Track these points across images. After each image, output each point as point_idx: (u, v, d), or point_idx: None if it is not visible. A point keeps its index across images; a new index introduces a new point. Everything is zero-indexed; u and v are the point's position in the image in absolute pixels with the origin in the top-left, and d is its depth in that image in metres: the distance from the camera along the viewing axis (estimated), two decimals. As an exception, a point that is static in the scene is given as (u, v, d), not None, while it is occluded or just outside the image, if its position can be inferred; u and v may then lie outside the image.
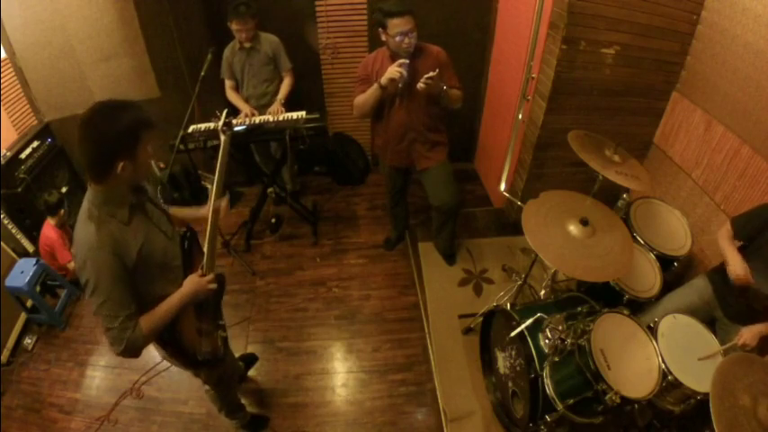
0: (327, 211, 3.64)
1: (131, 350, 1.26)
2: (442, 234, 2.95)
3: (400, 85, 2.12)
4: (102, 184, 1.23)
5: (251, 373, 2.48)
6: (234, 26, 2.76)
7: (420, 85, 2.12)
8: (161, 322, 1.33)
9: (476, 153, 4.03)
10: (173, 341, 1.44)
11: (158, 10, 2.95)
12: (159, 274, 1.37)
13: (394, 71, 2.12)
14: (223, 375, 1.83)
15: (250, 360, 2.50)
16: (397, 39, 2.13)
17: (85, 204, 1.26)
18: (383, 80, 2.18)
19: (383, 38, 2.22)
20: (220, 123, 1.91)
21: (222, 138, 1.78)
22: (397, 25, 2.10)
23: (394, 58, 2.22)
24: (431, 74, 2.08)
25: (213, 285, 1.46)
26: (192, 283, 1.41)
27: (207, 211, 1.58)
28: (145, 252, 1.29)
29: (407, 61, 2.11)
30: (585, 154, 2.02)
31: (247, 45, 2.86)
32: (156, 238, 1.37)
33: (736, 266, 1.71)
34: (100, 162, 1.19)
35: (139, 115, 1.22)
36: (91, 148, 1.17)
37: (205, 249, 1.50)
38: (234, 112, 3.07)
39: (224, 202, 1.66)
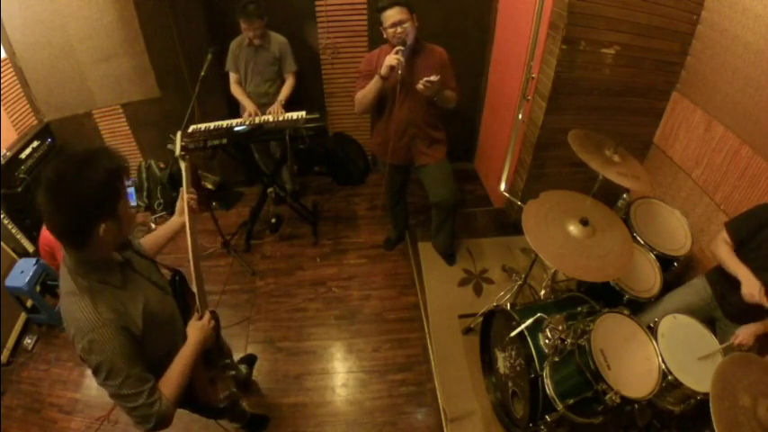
0: (327, 211, 3.64)
1: (163, 422, 1.15)
2: (441, 233, 2.96)
3: (399, 72, 2.13)
4: (82, 251, 1.07)
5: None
6: (242, 25, 2.77)
7: (419, 86, 2.16)
8: (181, 382, 1.22)
9: (476, 153, 4.03)
10: (190, 400, 1.33)
11: (158, 10, 2.95)
12: (165, 331, 1.28)
13: (392, 58, 2.14)
14: (237, 413, 1.79)
15: (251, 361, 2.49)
16: (390, 30, 2.19)
17: (67, 276, 1.10)
18: (382, 70, 2.20)
19: (384, 35, 2.26)
20: (177, 149, 1.75)
21: (182, 164, 1.63)
22: (389, 17, 2.17)
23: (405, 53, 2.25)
24: (433, 78, 2.12)
25: (213, 323, 1.39)
26: (196, 330, 1.32)
27: (179, 214, 1.51)
28: (148, 314, 1.18)
29: (403, 48, 2.14)
30: (585, 154, 2.02)
31: (257, 42, 2.87)
32: (153, 294, 1.26)
33: (750, 286, 1.68)
34: (78, 229, 1.02)
35: (113, 163, 1.06)
36: (65, 216, 1.00)
37: (194, 289, 1.41)
38: (238, 108, 3.09)
39: (192, 198, 1.55)
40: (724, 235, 1.86)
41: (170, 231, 1.58)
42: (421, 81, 2.14)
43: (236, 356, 2.43)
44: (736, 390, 1.29)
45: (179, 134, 1.80)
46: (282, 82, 3.06)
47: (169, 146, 1.90)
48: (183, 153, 1.65)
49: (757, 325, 1.72)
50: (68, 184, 0.98)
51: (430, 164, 2.59)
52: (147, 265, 1.33)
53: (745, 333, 1.72)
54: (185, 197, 1.48)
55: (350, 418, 2.28)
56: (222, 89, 3.28)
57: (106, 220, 1.04)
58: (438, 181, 2.62)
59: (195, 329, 1.32)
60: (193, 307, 1.41)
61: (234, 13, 2.79)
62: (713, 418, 1.22)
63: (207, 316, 1.37)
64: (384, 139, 2.57)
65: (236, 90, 3.06)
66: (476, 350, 2.40)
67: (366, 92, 2.34)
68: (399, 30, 2.17)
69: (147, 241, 1.53)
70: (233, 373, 1.56)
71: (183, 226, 1.51)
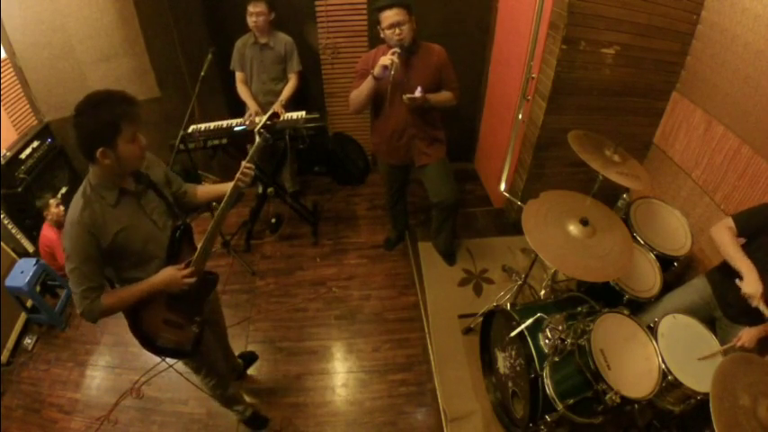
0: (327, 211, 3.63)
1: (87, 316, 1.37)
2: (442, 233, 2.96)
3: (392, 72, 2.13)
4: (94, 166, 1.34)
5: (251, 371, 2.48)
6: (248, 8, 2.76)
7: (404, 98, 2.22)
8: (122, 302, 1.42)
9: (476, 153, 4.03)
10: (133, 323, 1.50)
11: (158, 10, 2.95)
12: (136, 261, 1.46)
13: (386, 58, 2.14)
14: (201, 366, 1.83)
15: (250, 359, 2.50)
16: (388, 31, 2.17)
17: (84, 181, 1.37)
18: (375, 69, 2.20)
19: (381, 35, 2.26)
20: (261, 122, 1.80)
21: (257, 138, 1.73)
22: (387, 18, 2.15)
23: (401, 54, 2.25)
24: (415, 96, 2.20)
25: (190, 280, 1.51)
26: (165, 273, 1.47)
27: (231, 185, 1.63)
28: (122, 236, 1.38)
29: (399, 50, 2.14)
30: (585, 154, 2.02)
31: (262, 40, 2.87)
32: (141, 226, 1.45)
33: (751, 286, 1.61)
34: (82, 147, 1.29)
35: (123, 108, 1.30)
36: (76, 134, 1.28)
37: (199, 245, 1.56)
38: (238, 107, 3.08)
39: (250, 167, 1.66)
40: (728, 222, 1.79)
41: (221, 192, 1.70)
42: (405, 96, 2.19)
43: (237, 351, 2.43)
44: (736, 390, 1.29)
45: (265, 117, 1.83)
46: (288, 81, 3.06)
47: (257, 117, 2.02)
48: (261, 131, 1.75)
49: (760, 328, 1.71)
50: (81, 115, 1.27)
51: (430, 164, 2.59)
52: (156, 205, 1.51)
53: (747, 336, 1.70)
54: (243, 167, 1.64)
55: (350, 418, 2.28)
56: (222, 89, 3.28)
57: (104, 147, 1.27)
58: (438, 181, 2.62)
59: (165, 272, 1.47)
60: (184, 258, 1.55)
61: (235, 12, 2.79)
62: (713, 417, 1.22)
63: (188, 271, 1.51)
64: (382, 139, 2.57)
65: (241, 89, 3.06)
66: (476, 350, 2.40)
67: (359, 91, 2.34)
68: (398, 31, 2.15)
69: (203, 190, 1.79)
70: (196, 330, 1.65)
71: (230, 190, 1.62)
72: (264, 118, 1.75)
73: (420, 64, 2.29)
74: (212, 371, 1.88)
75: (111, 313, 1.42)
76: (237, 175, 1.62)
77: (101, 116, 1.27)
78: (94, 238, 1.33)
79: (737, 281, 1.66)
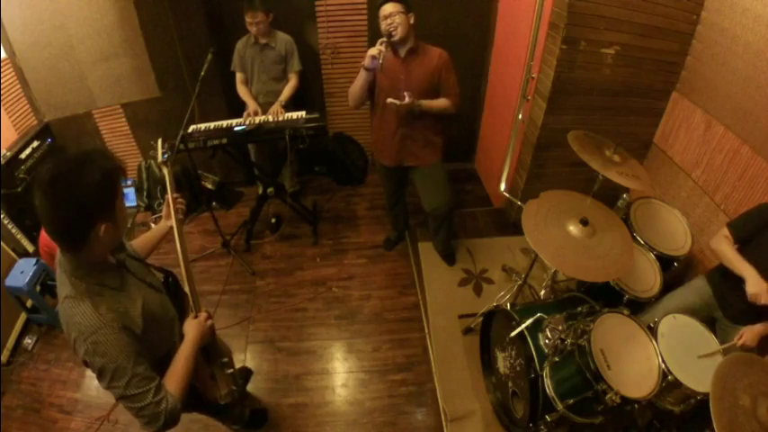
0: (327, 211, 3.64)
1: (172, 420, 1.14)
2: (439, 236, 2.96)
3: (380, 62, 2.16)
4: (79, 252, 1.07)
5: (249, 389, 2.42)
6: (246, 18, 2.77)
7: (387, 101, 2.25)
8: (185, 378, 1.22)
9: (476, 153, 4.03)
10: (193, 398, 1.34)
11: (158, 10, 2.95)
12: (164, 330, 1.30)
13: (374, 48, 2.18)
14: (244, 411, 1.81)
15: (245, 376, 2.42)
16: (383, 23, 2.22)
17: (65, 280, 1.10)
18: (365, 60, 2.24)
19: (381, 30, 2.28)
20: (159, 156, 1.78)
21: (165, 170, 1.63)
22: (384, 10, 2.21)
23: (392, 48, 2.28)
24: (398, 102, 2.22)
25: (211, 321, 1.39)
26: (192, 326, 1.32)
27: (165, 218, 1.54)
28: (147, 313, 1.19)
29: (386, 39, 2.18)
30: (585, 154, 2.02)
31: (263, 41, 2.88)
32: (150, 295, 1.27)
33: (756, 286, 1.66)
34: (77, 230, 1.02)
35: (109, 163, 1.06)
36: (64, 217, 0.99)
37: (186, 289, 1.42)
38: (239, 107, 3.08)
39: (180, 200, 1.58)
40: (725, 231, 1.84)
41: (159, 235, 1.59)
42: (388, 99, 2.23)
43: (236, 357, 2.43)
44: (735, 390, 1.29)
45: (159, 141, 1.83)
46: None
47: (151, 152, 1.95)
48: (164, 161, 1.68)
49: (762, 326, 1.71)
50: (66, 185, 0.98)
51: (420, 167, 2.58)
52: (140, 267, 1.34)
53: (749, 334, 1.70)
54: (171, 201, 1.51)
55: (350, 418, 2.28)
56: (222, 89, 3.28)
57: (105, 221, 1.04)
58: (429, 188, 2.61)
59: (192, 326, 1.33)
60: (188, 307, 1.43)
61: (235, 12, 2.80)
62: (713, 418, 1.22)
63: (204, 314, 1.39)
64: (378, 138, 2.58)
65: (241, 89, 3.07)
66: (476, 350, 2.40)
67: (354, 84, 2.37)
68: (389, 21, 2.19)
69: (138, 243, 1.53)
70: (231, 371, 1.56)
71: (171, 230, 1.52)
72: (159, 148, 1.76)
73: (418, 66, 2.28)
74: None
75: (184, 398, 1.20)
76: (167, 209, 1.52)
77: (94, 179, 1.00)
78: (129, 331, 1.09)
79: (745, 285, 1.69)
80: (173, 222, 1.50)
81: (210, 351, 1.47)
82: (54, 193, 0.97)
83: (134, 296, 1.19)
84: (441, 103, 2.36)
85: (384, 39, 2.17)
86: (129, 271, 1.25)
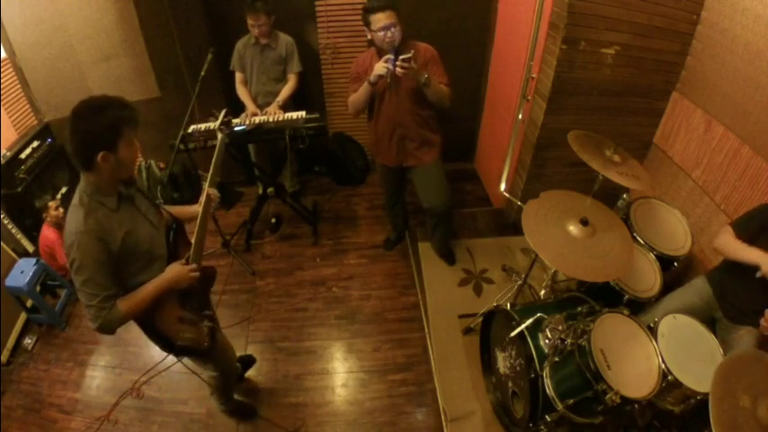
0: (327, 211, 3.64)
1: (107, 328, 1.35)
2: (437, 235, 2.96)
3: (388, 80, 2.14)
4: (90, 173, 1.31)
5: (250, 373, 2.48)
6: (248, 20, 2.77)
7: (398, 70, 2.08)
8: (139, 305, 1.40)
9: (476, 153, 4.03)
10: (149, 326, 1.51)
11: (158, 10, 2.95)
12: (144, 262, 1.45)
13: (380, 67, 2.14)
14: (218, 363, 1.84)
15: (247, 362, 2.49)
16: (380, 34, 2.15)
17: (77, 192, 1.34)
18: (371, 77, 2.21)
19: (369, 36, 2.24)
20: (218, 123, 1.92)
21: (219, 136, 1.83)
22: (378, 20, 2.12)
23: (380, 54, 2.24)
24: (405, 55, 2.06)
25: (195, 274, 1.53)
26: (173, 269, 1.49)
27: (198, 208, 1.66)
28: (130, 239, 1.37)
29: (392, 56, 2.10)
30: (585, 154, 2.02)
31: (263, 41, 2.87)
32: (143, 227, 1.45)
33: None
34: (82, 151, 1.27)
35: (124, 113, 1.30)
36: (75, 138, 1.26)
37: (193, 240, 1.58)
38: (238, 108, 3.08)
39: (215, 193, 1.74)
40: (728, 230, 1.83)
41: (186, 215, 1.74)
42: (397, 62, 2.06)
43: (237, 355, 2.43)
44: (735, 391, 1.29)
45: (224, 111, 1.96)
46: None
47: (210, 120, 2.10)
48: (222, 126, 1.83)
49: None
50: (81, 118, 1.25)
51: (418, 166, 2.57)
52: (147, 205, 1.53)
53: None
54: (206, 190, 1.69)
55: (350, 418, 2.28)
56: (222, 89, 3.28)
57: (105, 151, 1.26)
58: (427, 187, 2.61)
59: (172, 268, 1.49)
60: (184, 254, 1.57)
61: (235, 12, 2.80)
62: (712, 421, 1.21)
63: (192, 265, 1.53)
64: (375, 139, 2.57)
65: (240, 90, 3.06)
66: (476, 350, 2.40)
67: (357, 96, 2.35)
68: (389, 34, 2.13)
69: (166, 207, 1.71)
70: (209, 324, 1.67)
71: (196, 217, 1.66)
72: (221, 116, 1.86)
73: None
74: (227, 369, 1.91)
75: (129, 319, 1.41)
76: (203, 197, 1.68)
77: (104, 119, 1.26)
78: (104, 244, 1.31)
79: (758, 273, 1.65)
80: (200, 208, 1.65)
81: (191, 299, 1.60)
82: (73, 123, 1.25)
83: (124, 221, 1.38)
84: (443, 87, 2.32)
85: (390, 56, 2.09)
86: (132, 203, 1.46)
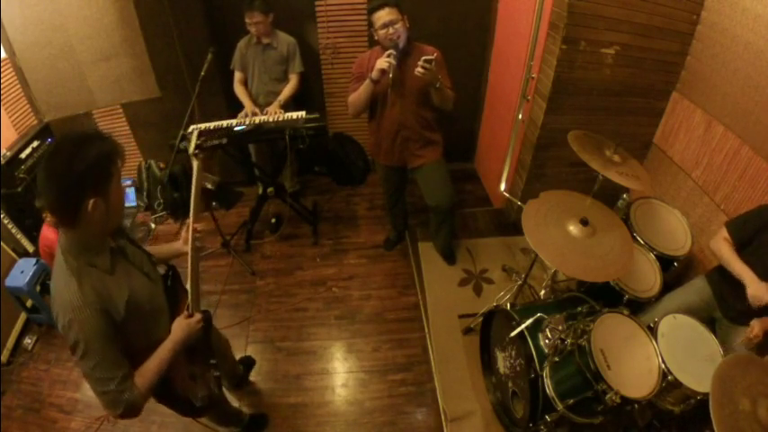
0: (327, 211, 3.64)
1: (132, 411, 1.16)
2: (440, 234, 2.96)
3: (390, 75, 2.12)
4: (74, 229, 1.10)
5: (252, 377, 2.46)
6: (245, 19, 2.78)
7: (418, 69, 2.08)
8: (156, 375, 1.23)
9: (476, 153, 4.03)
10: (166, 393, 1.35)
11: (158, 10, 2.95)
12: (148, 323, 1.29)
13: (383, 62, 2.13)
14: (222, 414, 1.81)
15: (248, 363, 2.47)
16: (382, 31, 2.16)
17: (60, 255, 1.12)
18: (373, 73, 2.20)
19: (375, 36, 2.25)
20: (191, 147, 1.73)
21: (195, 163, 1.62)
22: (379, 18, 2.15)
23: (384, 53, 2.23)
24: (429, 57, 2.05)
25: (201, 324, 1.38)
26: (180, 327, 1.33)
27: (183, 243, 1.52)
28: (132, 303, 1.19)
29: (395, 52, 2.12)
30: (585, 154, 2.02)
31: (264, 41, 2.88)
32: (142, 285, 1.27)
33: (757, 289, 1.66)
34: (66, 200, 1.05)
35: (110, 146, 1.10)
36: (56, 184, 1.03)
37: (188, 287, 1.41)
38: (238, 107, 3.08)
39: (200, 232, 1.54)
40: (724, 233, 1.85)
41: (171, 254, 1.59)
42: (419, 63, 2.05)
43: (236, 356, 2.43)
44: (735, 394, 1.28)
45: (195, 132, 1.72)
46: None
47: (183, 143, 1.86)
48: (197, 151, 1.62)
49: None
50: (63, 159, 1.03)
51: (424, 166, 2.57)
52: (140, 256, 1.35)
53: (759, 325, 1.68)
54: (191, 230, 1.46)
55: (350, 418, 2.28)
56: (222, 89, 3.28)
57: (95, 197, 1.06)
58: (433, 184, 2.61)
59: (180, 326, 1.33)
60: (184, 304, 1.42)
61: (235, 12, 2.80)
62: (714, 426, 1.21)
63: (197, 316, 1.38)
64: (377, 141, 2.57)
65: (239, 89, 3.06)
66: (476, 350, 2.40)
67: (358, 95, 2.34)
68: (391, 30, 2.15)
69: (151, 251, 1.53)
70: (217, 374, 1.56)
71: (184, 254, 1.50)
72: (194, 138, 1.66)
73: (412, 66, 2.26)
74: (228, 415, 1.88)
75: (151, 395, 1.23)
76: (186, 235, 1.48)
77: (89, 155, 1.04)
78: (108, 315, 1.10)
79: (747, 291, 1.69)
80: (188, 250, 1.46)
81: (198, 352, 1.46)
82: (52, 165, 1.03)
83: (122, 282, 1.19)
84: (449, 91, 2.33)
85: (393, 51, 2.12)
86: (126, 257, 1.26)
